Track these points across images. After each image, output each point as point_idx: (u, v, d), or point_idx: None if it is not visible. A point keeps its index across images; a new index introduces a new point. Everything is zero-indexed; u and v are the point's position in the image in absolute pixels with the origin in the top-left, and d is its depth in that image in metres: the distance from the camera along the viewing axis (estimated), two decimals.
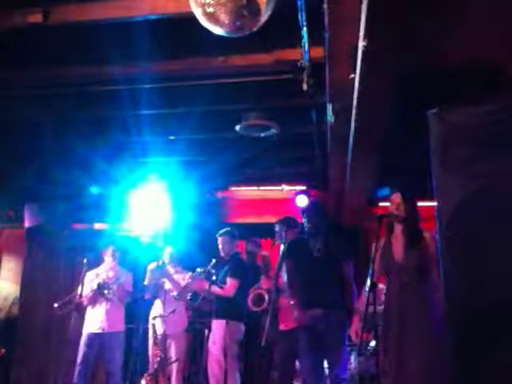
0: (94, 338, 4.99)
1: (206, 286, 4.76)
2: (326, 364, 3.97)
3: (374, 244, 3.23)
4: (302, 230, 4.26)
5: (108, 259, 5.27)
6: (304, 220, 4.09)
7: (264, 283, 4.84)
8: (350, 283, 3.96)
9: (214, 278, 4.79)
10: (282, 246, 3.97)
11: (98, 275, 5.17)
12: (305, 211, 4.26)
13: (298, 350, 4.00)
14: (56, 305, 5.00)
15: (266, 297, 4.79)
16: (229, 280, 4.80)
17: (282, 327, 4.42)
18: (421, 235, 3.37)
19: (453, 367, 2.50)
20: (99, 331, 5.00)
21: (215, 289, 4.79)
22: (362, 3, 2.26)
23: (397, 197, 3.43)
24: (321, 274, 3.92)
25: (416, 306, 3.21)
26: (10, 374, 5.88)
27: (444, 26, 2.56)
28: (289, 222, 4.56)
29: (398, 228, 3.44)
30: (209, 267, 4.84)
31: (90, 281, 5.13)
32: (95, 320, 5.05)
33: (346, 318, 3.91)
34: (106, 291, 5.01)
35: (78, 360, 4.92)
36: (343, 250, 4.08)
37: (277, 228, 4.62)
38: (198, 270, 4.91)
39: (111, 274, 5.17)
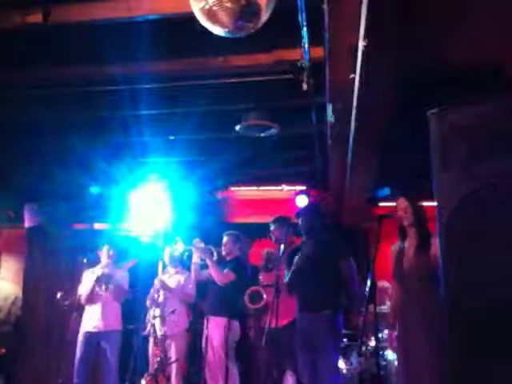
0: (90, 337, 5.01)
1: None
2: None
3: (374, 244, 3.22)
4: (298, 231, 4.24)
5: (103, 258, 5.30)
6: (299, 221, 4.09)
7: (263, 278, 4.78)
8: (348, 281, 3.88)
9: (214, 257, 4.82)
10: (282, 246, 3.96)
11: (94, 273, 5.19)
12: (300, 213, 4.24)
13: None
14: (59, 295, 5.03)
15: (264, 295, 4.74)
16: (226, 270, 4.79)
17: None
18: (430, 238, 3.24)
19: (453, 368, 2.49)
20: (95, 330, 5.02)
21: (216, 270, 4.72)
22: (361, 3, 2.26)
23: (402, 201, 3.37)
24: (310, 276, 3.89)
25: (423, 310, 3.15)
26: (11, 373, 5.88)
27: (444, 26, 2.56)
28: (284, 221, 4.54)
29: (411, 231, 3.36)
30: (210, 246, 4.89)
31: (88, 280, 5.17)
32: (91, 319, 5.07)
33: (339, 319, 3.84)
34: (103, 285, 5.03)
35: (77, 359, 4.94)
36: (337, 247, 4.01)
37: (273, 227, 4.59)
38: (197, 240, 4.87)
39: (106, 271, 5.19)
